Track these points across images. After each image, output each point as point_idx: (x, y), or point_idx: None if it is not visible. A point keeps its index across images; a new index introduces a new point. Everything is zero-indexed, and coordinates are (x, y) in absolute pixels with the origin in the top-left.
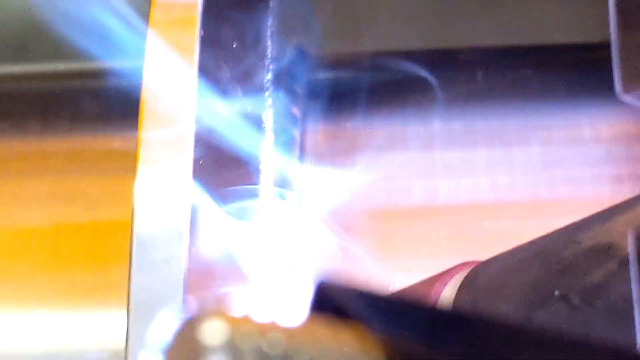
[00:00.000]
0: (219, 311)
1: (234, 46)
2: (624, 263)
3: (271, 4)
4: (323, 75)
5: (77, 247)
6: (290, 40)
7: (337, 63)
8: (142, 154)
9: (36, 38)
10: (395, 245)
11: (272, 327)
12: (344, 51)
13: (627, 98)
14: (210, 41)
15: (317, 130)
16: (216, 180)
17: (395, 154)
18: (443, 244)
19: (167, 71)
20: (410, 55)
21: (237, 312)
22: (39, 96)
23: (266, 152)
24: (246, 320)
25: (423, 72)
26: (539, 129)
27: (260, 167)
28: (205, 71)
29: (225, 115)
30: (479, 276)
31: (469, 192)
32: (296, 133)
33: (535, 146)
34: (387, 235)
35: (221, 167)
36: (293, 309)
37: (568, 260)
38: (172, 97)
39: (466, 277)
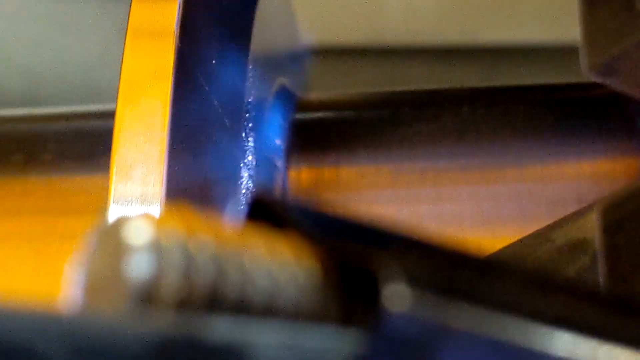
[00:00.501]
0: (145, 213)
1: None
2: (597, 256)
3: (254, 40)
4: (307, 116)
5: (56, 287)
6: (276, 79)
7: (322, 104)
8: (114, 189)
9: (22, 84)
10: None
11: (202, 228)
12: (330, 93)
13: (593, 74)
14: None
15: (300, 170)
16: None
17: (380, 192)
18: None
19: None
20: (396, 95)
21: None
22: (21, 137)
23: (247, 180)
24: (174, 220)
25: (409, 112)
26: (526, 165)
27: (241, 196)
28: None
29: (203, 142)
30: None
31: (455, 228)
32: (279, 163)
33: (522, 182)
34: None
35: (199, 196)
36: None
37: (542, 258)
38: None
39: None
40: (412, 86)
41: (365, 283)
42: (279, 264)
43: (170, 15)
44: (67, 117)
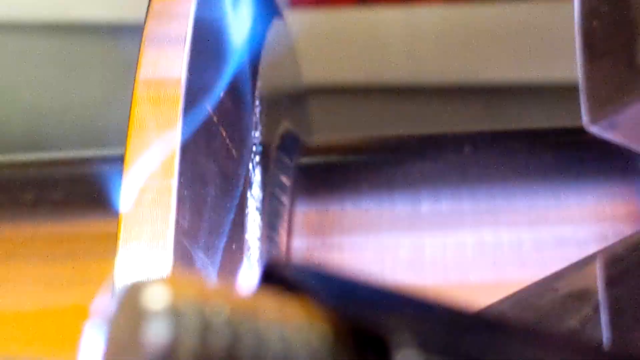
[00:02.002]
0: (162, 277)
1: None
2: (599, 307)
3: (259, 85)
4: (311, 160)
5: (62, 330)
6: (281, 120)
7: (326, 148)
8: (123, 234)
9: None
10: None
11: (217, 294)
12: (334, 137)
13: (594, 129)
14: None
15: (305, 212)
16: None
17: (383, 234)
18: None
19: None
20: (398, 139)
21: (182, 278)
22: (27, 182)
23: (253, 220)
24: (190, 285)
25: (411, 155)
26: (528, 208)
27: (246, 236)
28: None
29: (211, 172)
30: None
31: (457, 273)
32: (285, 200)
33: (524, 225)
34: None
35: (204, 237)
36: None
37: (545, 308)
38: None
39: None
40: (415, 125)
41: (376, 348)
42: (292, 328)
43: (178, 58)
44: (76, 161)
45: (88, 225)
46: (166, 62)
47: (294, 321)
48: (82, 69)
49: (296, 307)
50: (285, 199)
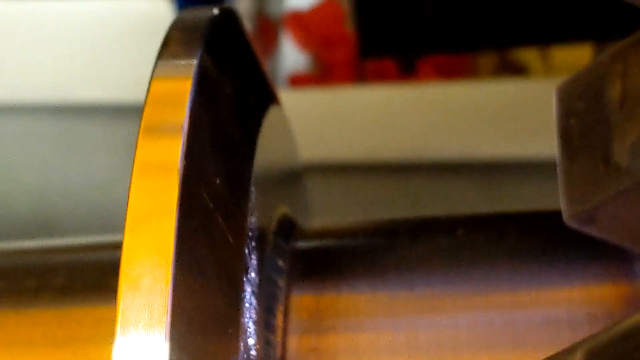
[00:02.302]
0: None
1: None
2: None
3: (255, 170)
4: (307, 244)
5: None
6: (277, 204)
7: (320, 233)
8: (120, 321)
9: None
10: None
11: None
12: (328, 221)
13: (573, 223)
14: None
15: (301, 296)
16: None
17: (377, 319)
18: None
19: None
20: (392, 223)
21: None
22: (29, 269)
23: (250, 304)
24: None
25: (405, 239)
26: (520, 291)
27: (242, 320)
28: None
29: (207, 258)
30: None
31: (451, 355)
32: (282, 284)
33: (516, 308)
34: None
35: (200, 322)
36: None
37: None
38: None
39: None
40: (415, 202)
41: None
42: None
43: (175, 148)
44: (77, 247)
45: (90, 311)
46: (163, 151)
47: None
48: (85, 150)
49: None
50: (281, 283)
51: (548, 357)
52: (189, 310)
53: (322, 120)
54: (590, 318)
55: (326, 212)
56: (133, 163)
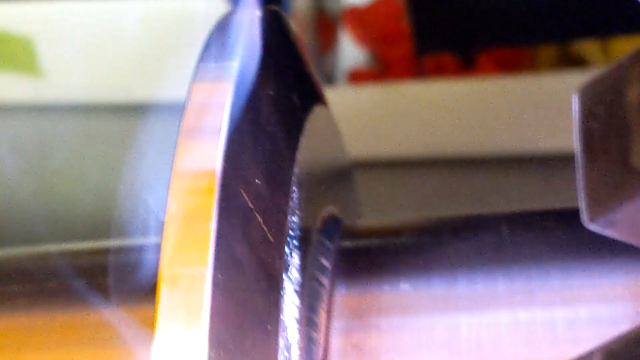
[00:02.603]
0: None
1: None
2: None
3: (298, 172)
4: (352, 243)
5: None
6: (324, 204)
7: (365, 231)
8: (160, 319)
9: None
10: None
11: None
12: (374, 221)
13: (593, 226)
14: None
15: (344, 294)
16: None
17: (419, 318)
18: None
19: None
20: (437, 221)
21: None
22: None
23: (291, 302)
24: None
25: (448, 237)
26: (561, 288)
27: (282, 317)
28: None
29: (244, 268)
30: None
31: (492, 352)
32: (326, 282)
33: (559, 306)
34: None
35: (238, 319)
36: None
37: None
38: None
39: None
40: (473, 198)
41: None
42: None
43: (213, 150)
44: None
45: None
46: (202, 153)
47: None
48: (148, 150)
49: None
50: (325, 281)
51: (576, 357)
52: (227, 309)
53: (382, 116)
54: (633, 315)
55: (386, 209)
56: (173, 165)
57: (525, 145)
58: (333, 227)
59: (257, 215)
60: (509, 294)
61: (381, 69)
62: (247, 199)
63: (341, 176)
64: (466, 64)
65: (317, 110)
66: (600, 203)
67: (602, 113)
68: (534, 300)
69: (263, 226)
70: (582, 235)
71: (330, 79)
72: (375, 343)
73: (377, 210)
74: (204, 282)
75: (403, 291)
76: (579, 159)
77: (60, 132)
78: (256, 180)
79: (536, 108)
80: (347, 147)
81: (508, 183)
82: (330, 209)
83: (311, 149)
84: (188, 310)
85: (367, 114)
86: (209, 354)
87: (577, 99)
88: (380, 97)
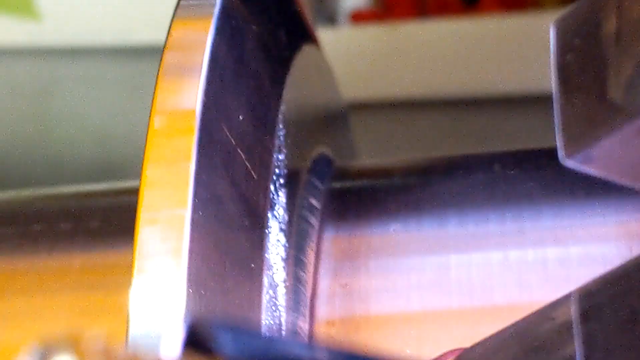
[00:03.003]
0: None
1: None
2: None
3: (285, 109)
4: (343, 184)
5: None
6: (315, 143)
7: (357, 173)
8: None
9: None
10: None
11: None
12: (365, 162)
13: (570, 162)
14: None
15: (332, 237)
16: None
17: (410, 259)
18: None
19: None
20: (428, 161)
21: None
22: (64, 213)
23: (277, 240)
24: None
25: (439, 177)
26: (553, 227)
27: (266, 256)
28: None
29: (227, 189)
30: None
31: (482, 293)
32: (315, 222)
33: (551, 245)
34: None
35: (220, 257)
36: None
37: (543, 337)
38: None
39: None
40: (477, 138)
41: None
42: None
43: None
44: (112, 192)
45: (122, 255)
46: (182, 91)
47: None
48: (149, 93)
49: None
50: (314, 221)
51: (567, 293)
52: (208, 247)
53: (384, 56)
54: (626, 254)
55: (388, 150)
56: (152, 103)
57: (529, 84)
58: (324, 167)
59: (239, 151)
60: (501, 233)
61: (383, 9)
62: (229, 135)
63: (334, 118)
64: (469, 2)
65: (306, 49)
66: (577, 139)
67: (578, 46)
68: (525, 240)
69: (246, 163)
70: (575, 174)
71: (332, 20)
72: (364, 284)
73: (378, 152)
74: (183, 220)
75: (393, 232)
76: (555, 93)
77: (60, 76)
78: (239, 117)
79: (540, 47)
80: (348, 88)
81: (512, 123)
82: (321, 150)
83: (299, 87)
84: (167, 249)
85: (370, 54)
86: (188, 291)
87: (553, 32)
88: (383, 38)
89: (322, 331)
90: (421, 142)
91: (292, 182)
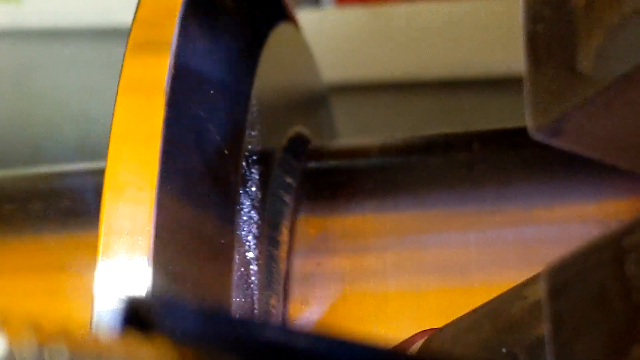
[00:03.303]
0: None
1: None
2: None
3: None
4: (317, 164)
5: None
6: (291, 127)
7: (335, 153)
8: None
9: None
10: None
11: (58, 337)
12: (343, 142)
13: (539, 135)
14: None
15: (308, 216)
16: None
17: (385, 239)
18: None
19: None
20: (406, 142)
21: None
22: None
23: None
24: (29, 331)
25: (418, 157)
26: (533, 207)
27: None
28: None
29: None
30: (435, 339)
31: (459, 274)
32: (289, 201)
33: (529, 225)
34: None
35: (188, 232)
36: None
37: (515, 316)
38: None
39: (423, 343)
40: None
41: None
42: None
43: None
44: (86, 172)
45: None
46: (150, 66)
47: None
48: None
49: (149, 348)
50: (288, 199)
51: (539, 272)
52: (176, 220)
53: (370, 38)
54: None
55: (372, 132)
56: (120, 79)
57: (515, 65)
58: (300, 147)
59: (210, 125)
60: (478, 213)
61: None
62: (199, 108)
63: (313, 98)
64: None
65: (284, 28)
66: (546, 111)
67: (548, 16)
68: (503, 220)
69: (217, 137)
70: (554, 154)
71: (316, 1)
72: (339, 263)
73: (361, 134)
74: (149, 197)
75: (369, 212)
76: (525, 65)
77: (40, 58)
78: (210, 91)
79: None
80: (333, 70)
81: (498, 105)
82: (298, 130)
83: (275, 65)
84: (134, 222)
85: (355, 36)
86: (155, 260)
87: (523, 2)
88: (367, 19)
89: (296, 310)
90: (406, 124)
91: (266, 160)
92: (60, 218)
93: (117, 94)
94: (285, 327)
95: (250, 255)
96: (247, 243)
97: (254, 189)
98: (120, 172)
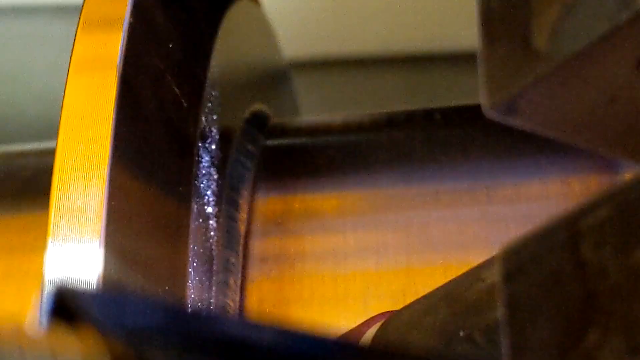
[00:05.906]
0: None
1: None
2: None
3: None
4: (276, 142)
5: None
6: (251, 97)
7: (290, 130)
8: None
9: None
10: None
11: None
12: (299, 119)
13: (493, 114)
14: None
15: (267, 197)
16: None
17: (345, 219)
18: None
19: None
20: (368, 119)
21: None
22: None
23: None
24: None
25: (379, 134)
26: (496, 187)
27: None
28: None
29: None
30: (391, 323)
31: (420, 254)
32: (251, 165)
33: (492, 204)
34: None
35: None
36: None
37: (472, 299)
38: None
39: (380, 326)
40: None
41: None
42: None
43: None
44: (40, 152)
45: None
46: (102, 44)
47: (67, 354)
48: None
49: (76, 339)
50: (250, 165)
51: (497, 254)
52: (132, 163)
53: (332, 13)
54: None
55: (336, 108)
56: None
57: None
58: (261, 121)
59: (168, 76)
60: (440, 192)
61: None
62: (157, 59)
63: (274, 74)
64: None
65: (243, 2)
66: (500, 89)
67: None
68: (465, 200)
69: (175, 88)
70: (517, 133)
71: None
72: (299, 245)
73: (325, 111)
74: (107, 138)
75: (329, 191)
76: (479, 41)
77: (1, 35)
78: (169, 44)
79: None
80: (295, 46)
81: (463, 80)
82: (258, 106)
83: (234, 39)
84: (85, 202)
85: (317, 12)
86: (109, 203)
87: None
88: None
89: (256, 268)
90: (371, 101)
91: (226, 123)
92: (11, 199)
93: (68, 72)
94: (229, 319)
95: (209, 210)
96: (206, 197)
97: (213, 146)
98: (71, 151)
